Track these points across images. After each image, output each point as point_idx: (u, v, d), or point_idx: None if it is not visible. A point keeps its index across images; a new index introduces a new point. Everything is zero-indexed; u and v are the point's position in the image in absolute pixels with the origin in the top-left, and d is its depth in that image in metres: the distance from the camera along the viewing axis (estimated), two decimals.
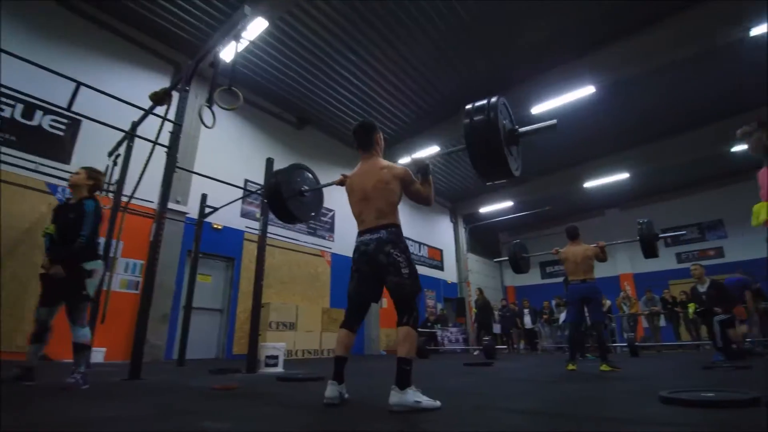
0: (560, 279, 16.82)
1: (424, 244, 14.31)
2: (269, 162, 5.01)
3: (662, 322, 10.78)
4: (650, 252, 4.72)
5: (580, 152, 11.99)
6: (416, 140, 11.20)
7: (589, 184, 13.10)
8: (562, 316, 9.84)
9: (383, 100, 9.79)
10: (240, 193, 7.10)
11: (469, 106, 2.33)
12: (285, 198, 3.18)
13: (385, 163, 2.59)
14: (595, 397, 2.80)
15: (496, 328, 11.74)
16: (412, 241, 13.73)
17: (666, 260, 14.73)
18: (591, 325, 4.94)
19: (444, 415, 2.07)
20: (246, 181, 8.52)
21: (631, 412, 2.18)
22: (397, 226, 2.43)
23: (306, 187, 3.37)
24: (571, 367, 4.48)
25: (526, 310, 11.90)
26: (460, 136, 3.24)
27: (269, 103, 9.68)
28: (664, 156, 11.60)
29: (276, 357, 4.76)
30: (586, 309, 4.74)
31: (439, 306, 13.98)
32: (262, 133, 9.60)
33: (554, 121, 2.41)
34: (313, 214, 3.56)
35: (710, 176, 13.39)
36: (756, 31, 7.00)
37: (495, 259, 12.81)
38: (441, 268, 14.85)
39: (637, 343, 8.10)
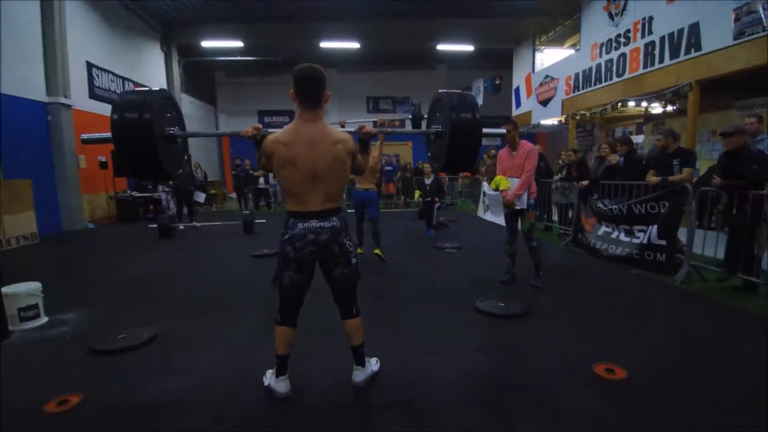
0: (278, 130, 17.33)
1: (130, 80, 10.92)
2: None
3: None
4: (417, 126, 5.46)
5: (316, 10, 11.70)
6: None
7: (325, 45, 13.15)
8: None
9: None
10: None
11: None
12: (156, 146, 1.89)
13: (337, 134, 2.04)
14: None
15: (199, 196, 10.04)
16: (114, 75, 10.18)
17: (367, 124, 17.73)
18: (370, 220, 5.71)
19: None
20: None
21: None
22: (341, 208, 2.14)
23: (175, 129, 2.09)
24: (359, 250, 5.30)
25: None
26: None
27: None
28: (386, 34, 13.05)
29: (35, 305, 3.13)
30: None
31: None
32: None
33: None
34: (180, 171, 2.25)
35: (410, 60, 16.22)
36: None
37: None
38: None
39: None
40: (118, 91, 10.32)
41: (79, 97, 8.62)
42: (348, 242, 2.12)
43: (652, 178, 4.33)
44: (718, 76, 6.30)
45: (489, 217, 8.97)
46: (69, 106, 8.20)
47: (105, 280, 4.60)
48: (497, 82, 14.67)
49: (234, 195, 16.58)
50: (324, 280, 2.16)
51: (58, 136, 8.00)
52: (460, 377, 2.38)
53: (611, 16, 8.62)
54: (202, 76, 16.08)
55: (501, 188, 4.06)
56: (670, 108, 8.67)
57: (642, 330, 3.03)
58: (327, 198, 2.02)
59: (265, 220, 8.65)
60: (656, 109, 9.29)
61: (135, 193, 9.60)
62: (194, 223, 8.65)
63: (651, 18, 7.46)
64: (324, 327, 2.74)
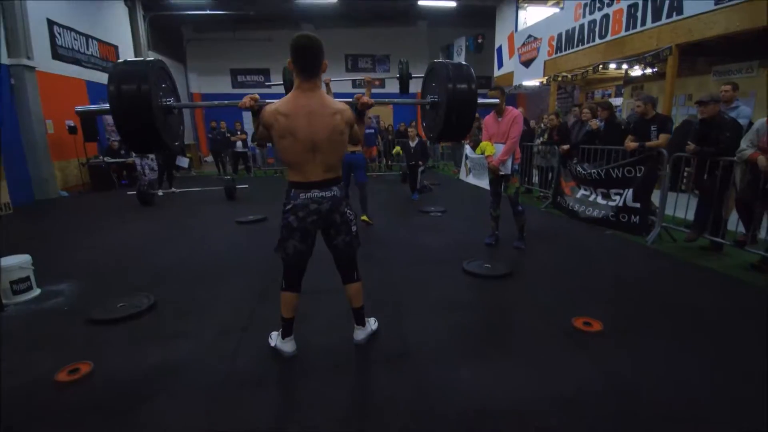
0: (252, 90, 16.72)
1: (94, 38, 10.19)
2: None
3: None
4: (404, 88, 5.40)
5: None
6: None
7: None
8: None
9: None
10: None
11: None
12: (155, 118, 1.87)
13: (335, 104, 2.07)
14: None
15: (182, 161, 10.02)
16: (77, 32, 9.48)
17: (345, 83, 17.22)
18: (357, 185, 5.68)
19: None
20: None
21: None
22: (341, 177, 2.20)
23: (171, 100, 2.06)
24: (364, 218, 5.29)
25: (239, 132, 11.54)
26: None
27: None
28: None
29: (27, 278, 3.12)
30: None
31: None
32: None
33: None
34: (177, 143, 2.21)
35: (390, 17, 15.60)
36: None
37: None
38: None
39: None
40: (82, 50, 9.66)
41: (42, 57, 8.04)
42: (348, 211, 2.20)
43: (631, 144, 4.50)
44: (697, 41, 6.39)
45: (471, 180, 9.12)
46: (32, 68, 7.66)
47: (90, 250, 4.55)
48: (479, 41, 14.38)
49: (210, 158, 16.17)
50: (325, 246, 2.25)
51: (24, 99, 7.50)
52: (450, 331, 2.58)
53: None
54: (169, 32, 15.11)
55: (486, 154, 4.15)
56: (649, 71, 8.79)
57: (616, 287, 3.28)
58: (327, 168, 2.07)
59: (247, 186, 8.55)
60: (636, 71, 9.39)
61: (108, 159, 9.24)
62: (173, 190, 8.47)
63: None
64: (324, 290, 2.86)
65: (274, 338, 2.36)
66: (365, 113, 2.31)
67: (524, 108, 13.88)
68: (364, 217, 5.39)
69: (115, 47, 11.24)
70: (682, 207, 4.50)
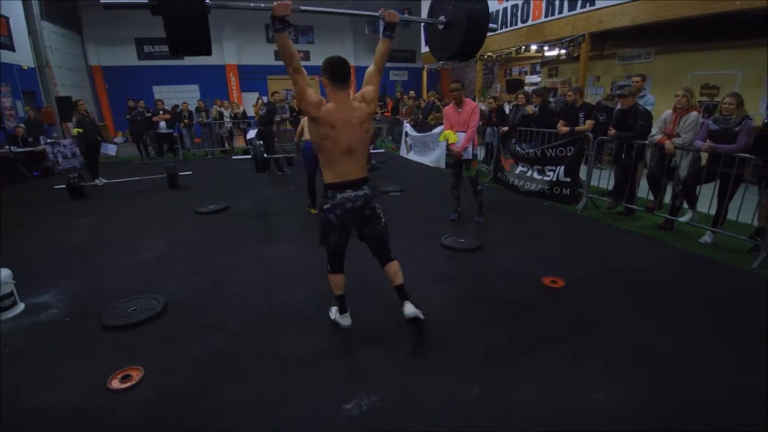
0: (161, 61, 15.17)
1: None
2: None
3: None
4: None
5: None
6: None
7: None
8: (251, 133, 9.16)
9: None
10: None
11: None
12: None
13: (362, 108, 2.36)
14: None
15: (108, 149, 9.18)
16: None
17: (266, 55, 16.45)
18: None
19: None
20: None
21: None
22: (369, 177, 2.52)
23: None
24: (312, 210, 5.30)
25: (161, 112, 10.66)
26: None
27: None
28: None
29: (11, 293, 2.94)
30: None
31: (21, 106, 9.82)
32: None
33: None
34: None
35: None
36: None
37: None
38: (11, 48, 9.72)
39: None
40: None
41: None
42: (377, 206, 2.51)
43: (563, 128, 5.29)
44: (607, 30, 7.41)
45: (413, 156, 9.66)
46: None
47: (48, 254, 4.24)
48: (406, 13, 14.67)
49: (120, 140, 14.65)
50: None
51: None
52: (445, 297, 3.13)
53: None
54: None
55: (450, 142, 4.62)
56: (562, 53, 9.89)
57: (563, 249, 4.04)
58: (359, 169, 2.39)
59: (190, 172, 8.12)
60: (552, 53, 10.49)
61: (15, 149, 8.10)
62: (97, 181, 7.49)
63: None
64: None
65: (334, 312, 2.76)
66: (395, 29, 2.42)
67: (446, 82, 14.66)
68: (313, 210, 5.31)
69: (6, 18, 9.57)
70: (603, 180, 5.45)
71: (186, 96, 14.20)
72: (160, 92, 14.63)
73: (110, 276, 3.65)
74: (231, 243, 4.46)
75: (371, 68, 2.44)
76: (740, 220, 4.04)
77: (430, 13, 2.78)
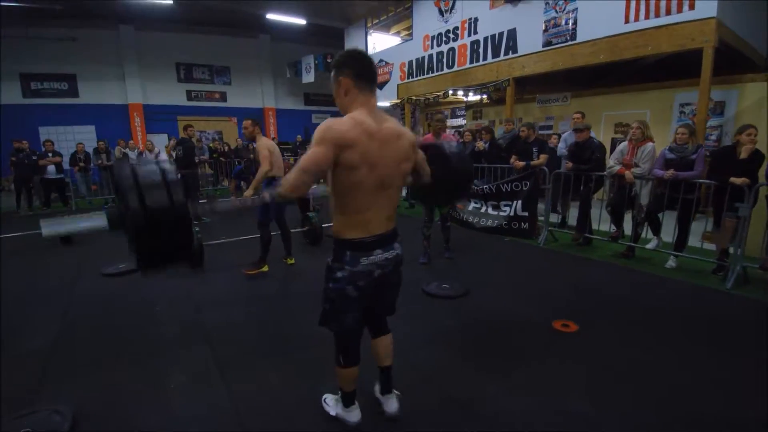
0: (53, 99, 13.09)
1: None
2: None
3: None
4: None
5: None
6: None
7: None
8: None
9: None
10: None
11: None
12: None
13: (405, 128, 1.71)
14: None
15: None
16: None
17: (178, 95, 15.17)
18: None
19: None
20: None
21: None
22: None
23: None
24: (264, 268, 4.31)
25: (50, 154, 8.92)
26: None
27: None
28: None
29: None
30: None
31: None
32: None
33: None
34: None
35: (229, 24, 14.49)
36: None
37: None
38: None
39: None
40: None
41: None
42: (401, 269, 1.88)
43: (518, 163, 5.30)
44: (528, 75, 7.98)
45: None
46: None
47: None
48: (329, 60, 14.73)
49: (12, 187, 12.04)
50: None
51: None
52: (446, 348, 2.72)
53: (441, 12, 9.71)
54: None
55: None
56: (485, 98, 10.53)
57: (551, 285, 3.82)
58: (390, 215, 1.69)
59: None
60: (475, 98, 11.13)
61: None
62: None
63: (476, 19, 8.78)
64: None
65: (333, 405, 2.02)
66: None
67: None
68: (291, 260, 4.56)
69: None
70: (555, 214, 5.53)
71: (81, 137, 12.33)
72: (48, 133, 12.50)
73: None
74: (155, 313, 3.48)
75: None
76: (694, 244, 4.24)
77: None
